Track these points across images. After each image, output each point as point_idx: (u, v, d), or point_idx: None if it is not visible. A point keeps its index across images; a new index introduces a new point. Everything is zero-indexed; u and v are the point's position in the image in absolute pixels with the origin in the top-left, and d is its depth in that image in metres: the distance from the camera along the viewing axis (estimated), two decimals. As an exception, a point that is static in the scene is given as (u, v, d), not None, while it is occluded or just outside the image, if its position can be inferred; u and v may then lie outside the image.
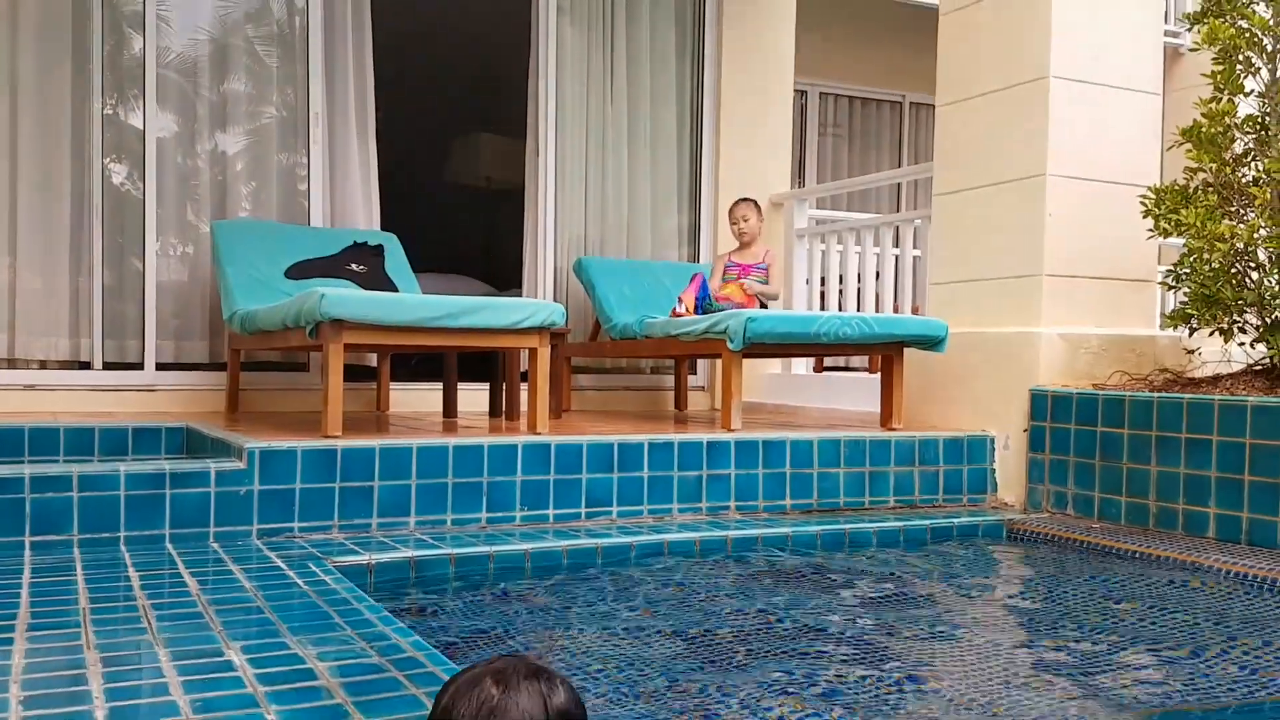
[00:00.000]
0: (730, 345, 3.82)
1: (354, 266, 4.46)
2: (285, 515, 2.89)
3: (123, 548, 2.71)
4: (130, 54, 4.69)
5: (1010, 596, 2.87)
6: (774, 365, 5.93)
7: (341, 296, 3.11)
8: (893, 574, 3.00)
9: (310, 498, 2.93)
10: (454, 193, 8.50)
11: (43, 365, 4.54)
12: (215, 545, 2.78)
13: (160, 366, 4.70)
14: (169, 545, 2.76)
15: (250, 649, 1.84)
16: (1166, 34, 6.23)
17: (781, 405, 5.66)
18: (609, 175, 5.63)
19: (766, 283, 4.78)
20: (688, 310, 4.46)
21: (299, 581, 2.37)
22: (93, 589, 2.27)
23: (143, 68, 4.68)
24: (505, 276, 7.06)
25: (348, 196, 5.02)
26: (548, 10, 5.44)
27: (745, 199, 4.96)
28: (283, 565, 2.53)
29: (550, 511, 3.28)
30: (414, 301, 3.23)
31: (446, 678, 1.69)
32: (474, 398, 5.03)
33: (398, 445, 3.06)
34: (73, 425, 3.65)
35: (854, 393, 5.32)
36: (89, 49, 4.59)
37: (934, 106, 4.40)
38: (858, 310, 5.51)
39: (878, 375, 4.49)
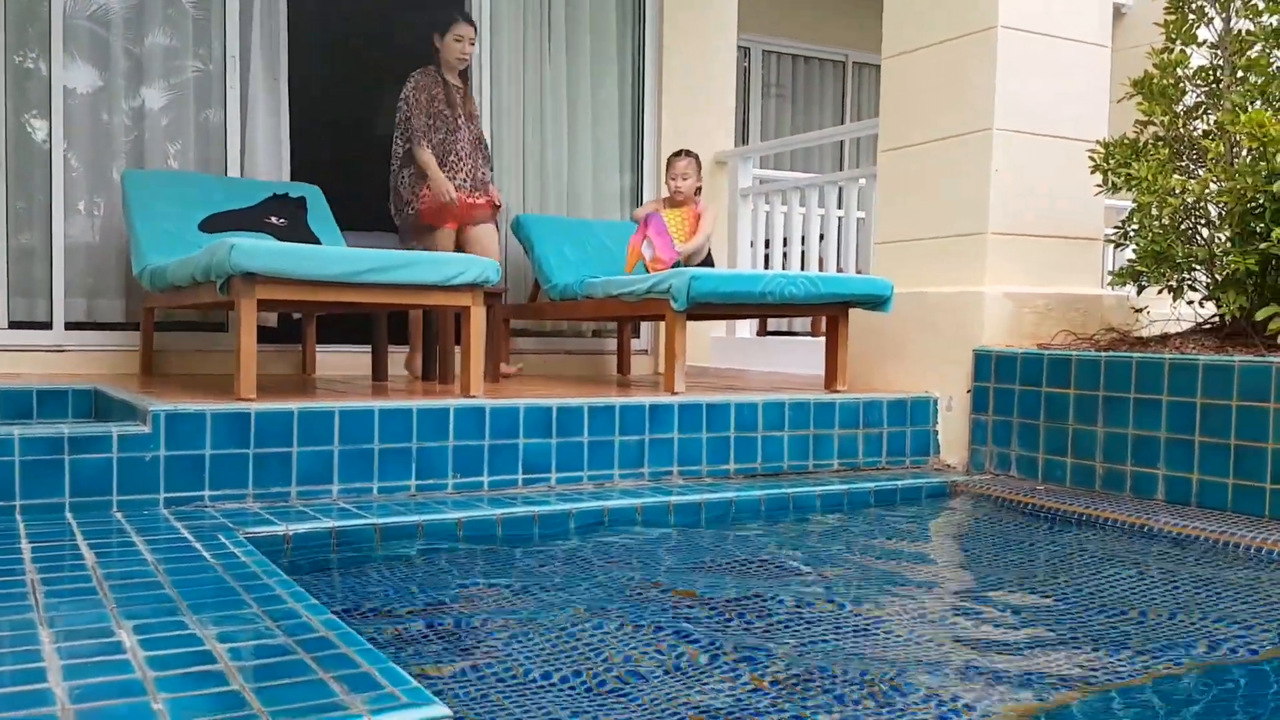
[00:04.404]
0: (674, 305, 3.68)
1: (273, 219, 4.23)
2: (195, 483, 2.70)
3: (18, 518, 2.50)
4: (29, 5, 4.37)
5: (947, 560, 2.79)
6: (719, 329, 5.82)
7: (254, 248, 2.90)
8: (835, 536, 2.90)
9: (222, 465, 2.74)
10: (387, 149, 8.21)
11: (-57, 326, 4.26)
12: (119, 515, 2.58)
13: (70, 326, 4.44)
14: (69, 515, 2.55)
15: (144, 629, 1.67)
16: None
17: (726, 369, 5.55)
18: (548, 134, 5.43)
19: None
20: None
21: (205, 554, 2.19)
22: (-25, 564, 2.07)
23: (49, 15, 4.37)
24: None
25: (262, 147, 4.76)
26: (481, -42, 5.21)
27: (688, 152, 4.83)
28: (189, 536, 2.35)
29: (485, 479, 3.12)
30: (335, 254, 3.04)
31: (360, 659, 1.54)
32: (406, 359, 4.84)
33: (318, 409, 2.87)
34: (-31, 389, 3.40)
35: (799, 355, 5.23)
36: (-13, -10, 4.28)
37: (877, 67, 4.28)
38: (802, 271, 5.40)
39: (822, 338, 4.39)
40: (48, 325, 4.38)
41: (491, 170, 4.79)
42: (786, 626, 2.03)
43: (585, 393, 3.58)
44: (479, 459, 3.11)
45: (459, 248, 4.54)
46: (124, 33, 4.55)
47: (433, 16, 4.62)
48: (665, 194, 4.93)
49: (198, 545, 2.27)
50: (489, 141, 5.19)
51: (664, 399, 3.43)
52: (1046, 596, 2.30)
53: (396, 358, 4.73)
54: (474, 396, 3.27)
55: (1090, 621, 2.11)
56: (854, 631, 2.02)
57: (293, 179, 4.83)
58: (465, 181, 4.53)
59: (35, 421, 3.39)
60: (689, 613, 2.11)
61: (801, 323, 6.82)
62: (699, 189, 4.84)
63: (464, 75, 4.66)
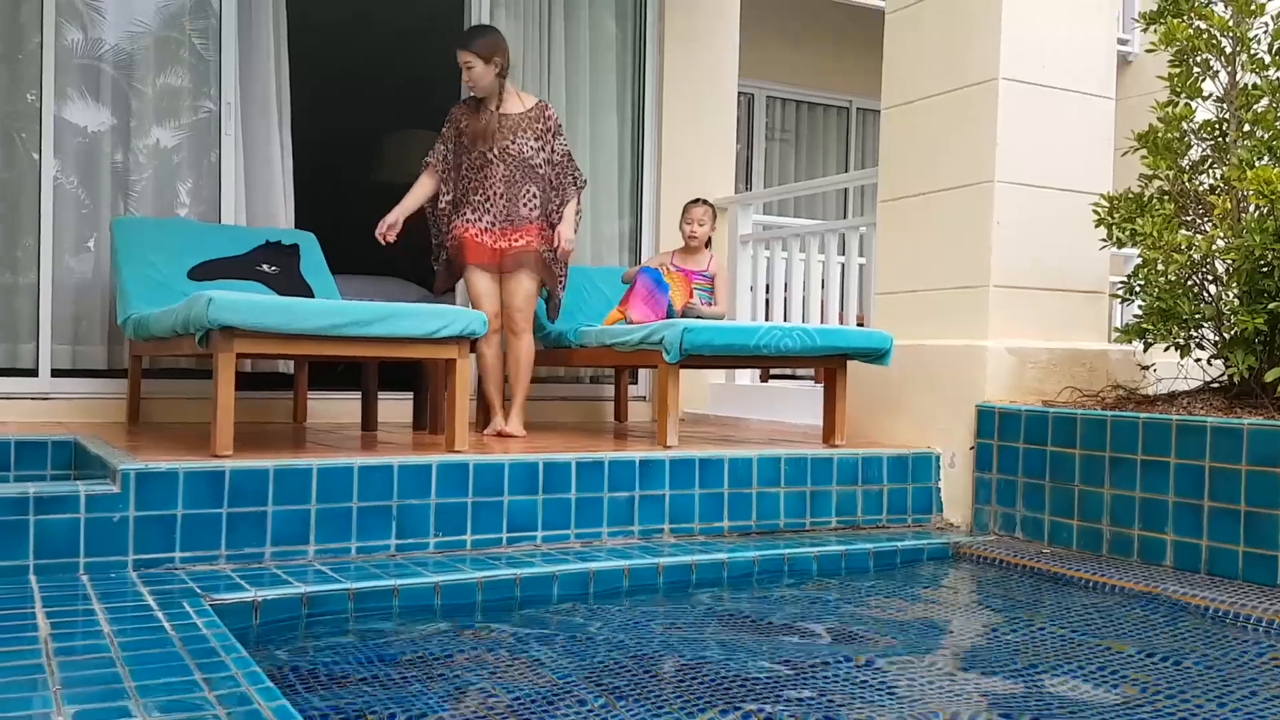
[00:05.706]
0: (666, 357, 3.60)
1: (265, 267, 4.17)
2: (165, 545, 2.61)
3: (-23, 582, 2.42)
4: (29, 42, 4.36)
5: (958, 632, 2.67)
6: (718, 375, 5.73)
7: (232, 301, 2.83)
8: (828, 606, 2.80)
9: (194, 525, 2.64)
10: (386, 191, 8.19)
11: (-73, 372, 4.20)
12: (84, 578, 2.49)
13: (57, 373, 4.38)
14: (32, 579, 2.46)
15: (85, 715, 1.57)
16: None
17: (725, 417, 5.45)
18: (546, 176, 5.38)
19: (712, 301, 4.63)
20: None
21: (166, 624, 2.09)
22: (-77, 636, 1.98)
23: (40, 55, 4.35)
24: (440, 280, 6.76)
25: (262, 193, 4.72)
26: (481, 1, 5.19)
27: (704, 201, 4.81)
28: (153, 604, 2.26)
29: (468, 537, 3.03)
30: (316, 307, 2.96)
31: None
32: (398, 408, 4.76)
33: (295, 466, 2.78)
34: (-55, 440, 3.33)
35: (799, 404, 5.14)
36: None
37: (880, 111, 4.22)
38: (802, 320, 5.32)
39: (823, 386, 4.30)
40: (34, 372, 4.32)
41: (555, 207, 4.14)
42: None
43: (574, 445, 3.49)
44: (462, 517, 3.02)
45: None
46: (122, 73, 4.52)
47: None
48: (681, 244, 4.84)
49: (160, 614, 2.18)
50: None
51: (656, 453, 3.34)
52: (1057, 678, 2.19)
53: (386, 405, 4.65)
54: (459, 451, 3.18)
55: (1103, 705, 2.00)
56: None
57: (293, 223, 4.79)
58: (494, 223, 4.06)
59: (11, 474, 3.31)
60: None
61: (806, 367, 6.73)
62: (709, 239, 4.79)
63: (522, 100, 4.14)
